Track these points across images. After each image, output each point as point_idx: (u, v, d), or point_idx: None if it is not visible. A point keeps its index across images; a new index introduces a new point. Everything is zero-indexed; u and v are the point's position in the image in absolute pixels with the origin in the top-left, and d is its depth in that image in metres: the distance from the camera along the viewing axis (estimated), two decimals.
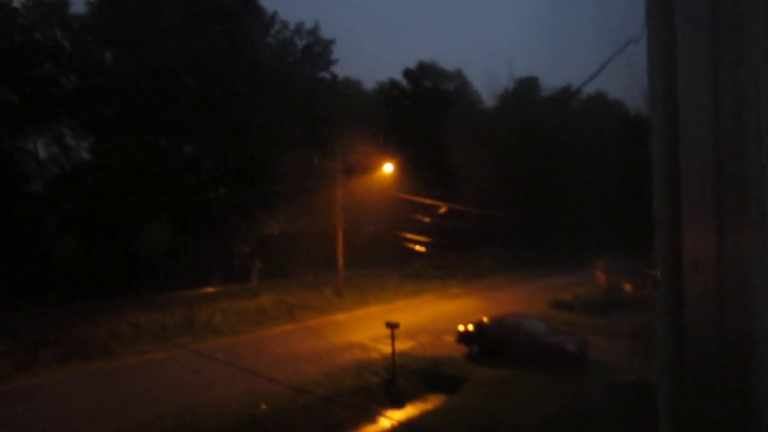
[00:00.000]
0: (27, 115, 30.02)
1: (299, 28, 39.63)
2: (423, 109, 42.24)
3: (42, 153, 31.71)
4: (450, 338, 20.51)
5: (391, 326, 22.64)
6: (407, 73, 46.64)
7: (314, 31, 39.89)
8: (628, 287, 26.87)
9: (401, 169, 33.87)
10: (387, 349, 19.83)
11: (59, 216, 28.99)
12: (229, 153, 32.47)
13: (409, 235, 34.50)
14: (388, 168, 33.27)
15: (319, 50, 40.48)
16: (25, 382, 17.38)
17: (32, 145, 31.54)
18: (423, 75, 46.98)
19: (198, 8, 32.59)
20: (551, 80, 49.93)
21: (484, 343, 19.04)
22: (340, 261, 29.79)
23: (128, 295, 24.95)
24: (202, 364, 17.61)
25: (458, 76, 48.42)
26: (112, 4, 31.77)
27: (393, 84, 45.92)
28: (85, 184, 29.64)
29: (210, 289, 28.10)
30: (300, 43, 39.91)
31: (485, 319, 19.99)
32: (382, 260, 34.15)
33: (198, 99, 32.67)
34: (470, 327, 19.85)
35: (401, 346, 20.50)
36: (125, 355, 19.87)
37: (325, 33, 40.39)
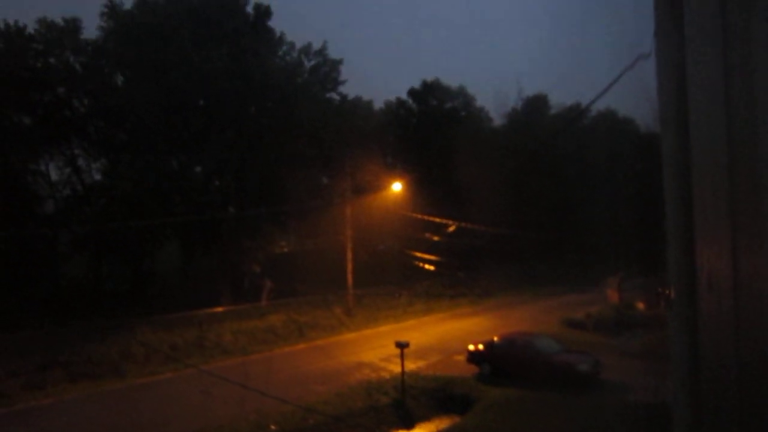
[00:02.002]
0: (40, 138, 30.45)
1: (307, 49, 40.08)
2: (430, 128, 42.42)
3: (54, 175, 32.05)
4: (460, 358, 20.31)
5: (401, 346, 22.46)
6: (412, 92, 46.97)
7: (322, 52, 40.32)
8: (641, 306, 26.56)
9: (410, 187, 33.94)
10: (397, 368, 19.68)
11: (71, 237, 29.20)
12: (239, 173, 32.70)
13: (419, 254, 34.41)
14: (396, 187, 33.34)
15: (326, 70, 40.87)
16: (34, 402, 17.38)
17: (44, 167, 31.90)
18: (428, 94, 47.29)
19: (207, 30, 33.05)
20: (560, 98, 50.14)
21: (496, 362, 18.78)
22: (350, 280, 29.74)
23: (139, 314, 24.96)
24: (212, 385, 17.53)
25: (463, 94, 48.69)
26: (123, 29, 32.29)
27: (400, 103, 46.21)
28: (97, 205, 29.90)
29: (220, 309, 28.08)
30: (308, 63, 40.34)
31: (496, 339, 19.78)
32: (391, 279, 34.07)
33: (208, 120, 32.98)
34: (481, 346, 19.64)
35: (411, 365, 20.35)
36: (136, 376, 19.84)
37: (333, 53, 40.83)
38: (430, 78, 46.32)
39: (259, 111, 34.78)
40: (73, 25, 31.83)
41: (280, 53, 38.56)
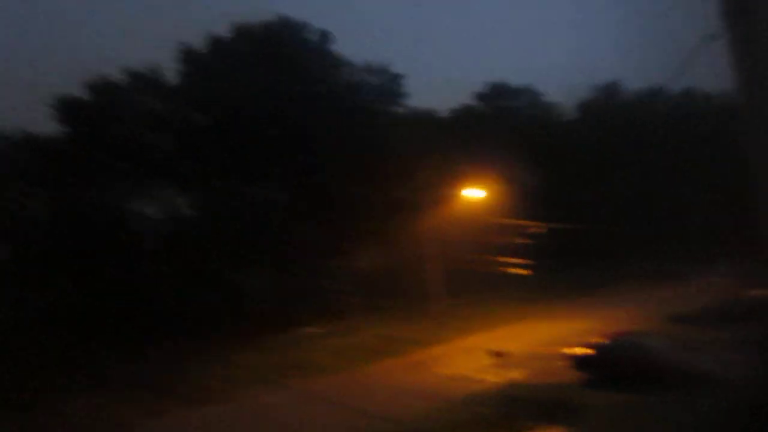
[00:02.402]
0: (134, 179, 32.70)
1: (370, 67, 40.52)
2: (501, 130, 41.71)
3: (154, 212, 34.23)
4: (563, 363, 19.45)
5: (498, 355, 21.97)
6: (480, 96, 46.46)
7: (385, 68, 40.64)
8: (754, 293, 24.46)
9: (490, 192, 33.40)
10: (495, 379, 19.26)
11: (168, 269, 30.91)
12: (318, 195, 33.44)
13: (505, 259, 33.75)
14: (475, 193, 32.92)
15: (390, 86, 41.15)
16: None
17: (144, 206, 34.11)
18: (496, 95, 46.61)
19: (271, 60, 34.27)
20: (633, 83, 47.74)
21: (603, 366, 17.54)
22: (438, 291, 29.53)
23: (233, 338, 25.93)
24: (311, 405, 17.84)
25: (529, 92, 47.63)
26: (198, 71, 34.16)
27: (467, 109, 45.79)
28: (189, 237, 31.50)
29: (311, 329, 28.68)
30: (372, 81, 40.78)
31: (601, 340, 18.51)
32: (479, 287, 33.52)
33: (283, 147, 34.05)
34: (585, 350, 18.54)
35: (510, 375, 19.82)
36: (240, 398, 20.45)
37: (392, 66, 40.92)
38: (495, 80, 45.81)
39: (330, 132, 35.53)
40: (155, 73, 33.96)
41: (344, 73, 39.33)
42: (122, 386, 22.40)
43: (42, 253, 30.43)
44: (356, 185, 33.02)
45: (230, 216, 31.69)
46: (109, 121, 31.78)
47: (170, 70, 34.34)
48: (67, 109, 31.90)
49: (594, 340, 18.83)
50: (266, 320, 28.20)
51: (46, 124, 32.07)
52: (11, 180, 31.63)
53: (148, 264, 31.74)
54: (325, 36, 37.15)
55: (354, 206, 33.04)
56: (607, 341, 18.29)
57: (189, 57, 34.70)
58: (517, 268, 33.28)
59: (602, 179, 41.21)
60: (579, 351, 18.62)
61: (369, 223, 32.05)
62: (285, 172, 34.31)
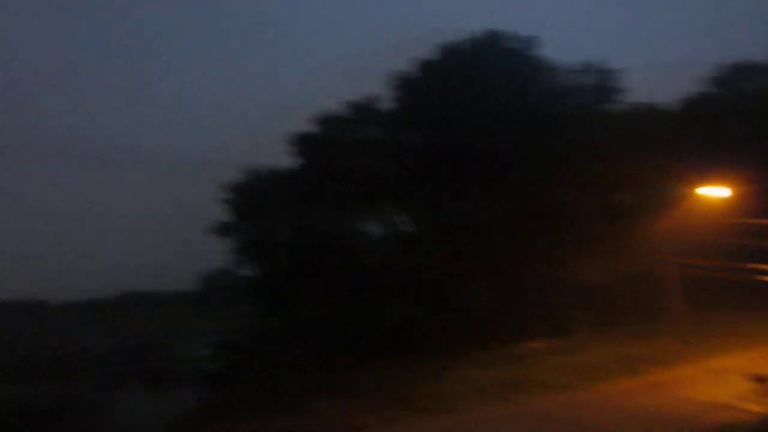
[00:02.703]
0: (359, 202, 35.58)
1: (586, 68, 38.46)
2: (746, 117, 36.05)
3: (377, 231, 36.85)
4: None
5: (761, 380, 18.77)
6: (715, 80, 40.74)
7: (602, 67, 38.23)
8: None
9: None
10: (760, 408, 16.44)
11: (393, 284, 32.76)
12: (537, 204, 32.54)
13: (757, 266, 28.87)
14: (716, 191, 28.81)
15: (607, 84, 38.57)
16: None
17: (368, 226, 36.90)
18: (736, 77, 40.44)
19: (480, 75, 34.47)
20: None
21: None
22: (676, 303, 26.42)
23: (458, 353, 26.24)
24: (542, 423, 17.14)
25: None
26: (411, 95, 35.95)
27: (703, 96, 40.46)
28: (410, 254, 33.01)
29: (536, 344, 27.75)
30: (587, 81, 38.63)
31: None
32: (725, 298, 29.18)
33: (499, 159, 33.89)
34: None
35: None
36: (467, 411, 20.52)
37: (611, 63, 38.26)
38: (734, 60, 39.85)
39: (544, 138, 34.42)
40: (372, 101, 36.73)
41: (557, 78, 37.94)
42: (356, 393, 24.14)
43: (285, 271, 34.61)
44: (576, 192, 31.42)
45: (449, 231, 32.48)
46: (336, 150, 35.04)
47: (386, 98, 36.77)
48: (301, 143, 36.08)
49: None
50: (488, 334, 28.10)
51: (284, 158, 36.82)
52: (260, 207, 36.70)
53: (375, 279, 34.06)
54: (532, 42, 36.41)
55: (575, 214, 31.44)
56: None
57: (402, 83, 36.73)
58: None
59: None
60: None
61: (594, 231, 30.14)
62: (502, 184, 34.13)
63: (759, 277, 28.92)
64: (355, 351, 29.55)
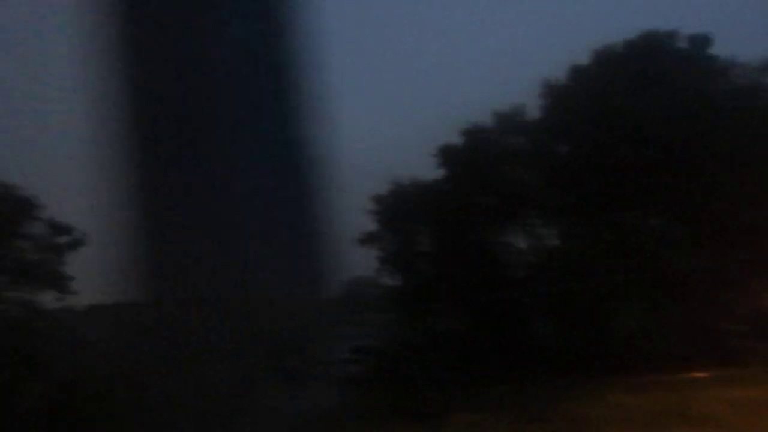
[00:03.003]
0: (504, 214, 34.66)
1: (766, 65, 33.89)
2: None
3: (520, 243, 35.59)
4: None
5: None
6: None
7: None
8: None
9: None
10: None
11: (538, 299, 31.31)
12: (701, 219, 29.25)
13: None
14: None
15: None
16: None
17: (511, 238, 35.74)
18: None
19: (636, 79, 31.93)
20: None
21: None
22: None
23: (604, 375, 24.31)
24: None
25: None
26: (559, 102, 34.33)
27: None
28: (555, 268, 31.34)
29: (698, 374, 24.80)
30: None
31: None
32: None
33: (661, 169, 31.02)
34: None
35: None
36: None
37: None
38: None
39: (716, 147, 30.88)
40: (519, 111, 35.73)
41: (732, 78, 33.86)
42: (495, 408, 23.36)
43: (427, 281, 34.66)
44: (757, 206, 27.75)
45: (602, 246, 30.34)
46: (480, 160, 34.56)
47: (533, 107, 35.55)
48: (445, 154, 36.11)
49: None
50: (641, 358, 25.70)
51: (429, 170, 37.14)
52: (404, 218, 37.27)
53: (518, 293, 32.86)
54: (701, 41, 32.99)
55: (755, 233, 27.77)
56: None
57: (550, 91, 35.30)
58: None
59: None
60: None
61: None
62: (665, 196, 31.12)
63: None
64: (495, 365, 28.66)
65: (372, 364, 38.88)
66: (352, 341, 54.13)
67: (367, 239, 39.43)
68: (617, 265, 28.61)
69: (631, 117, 30.94)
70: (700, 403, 21.19)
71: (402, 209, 37.67)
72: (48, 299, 28.52)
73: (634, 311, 29.50)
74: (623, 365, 25.47)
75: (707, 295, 28.54)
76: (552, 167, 33.59)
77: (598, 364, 26.11)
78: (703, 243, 30.00)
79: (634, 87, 31.90)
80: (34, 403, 27.12)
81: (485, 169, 34.93)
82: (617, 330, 28.31)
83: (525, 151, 35.33)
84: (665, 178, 30.34)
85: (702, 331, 27.63)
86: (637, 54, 33.48)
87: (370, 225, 39.34)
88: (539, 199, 34.85)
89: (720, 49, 33.48)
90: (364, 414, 26.81)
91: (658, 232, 31.91)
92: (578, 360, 27.15)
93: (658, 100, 30.82)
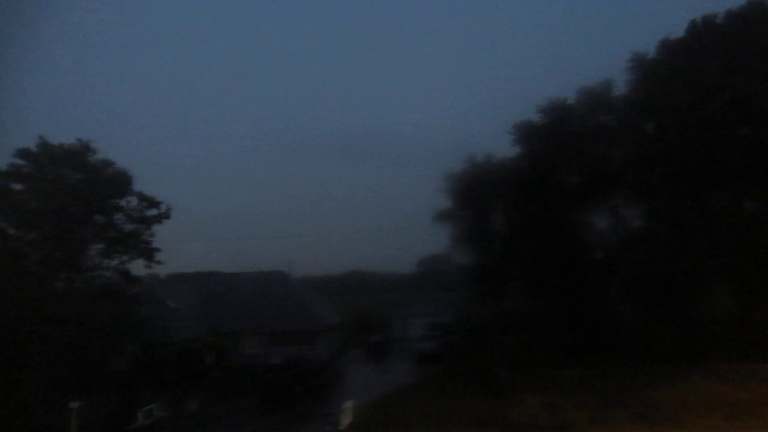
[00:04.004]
0: (585, 193, 33.57)
1: None
2: None
3: (601, 224, 34.43)
4: None
5: None
6: None
7: None
8: None
9: None
10: None
11: (618, 281, 30.28)
12: None
13: None
14: None
15: None
16: None
17: (591, 218, 34.62)
18: None
19: (740, 52, 29.62)
20: None
21: None
22: None
23: (690, 362, 23.32)
24: None
25: None
26: (649, 77, 32.51)
27: None
28: (639, 250, 30.13)
29: None
30: None
31: None
32: None
33: (754, 149, 28.93)
34: None
35: None
36: (693, 426, 18.24)
37: None
38: None
39: None
40: (606, 86, 34.22)
41: None
42: (569, 390, 23.03)
43: (502, 260, 34.30)
44: None
45: (690, 228, 28.79)
46: (561, 138, 33.51)
47: (621, 82, 33.93)
48: (523, 132, 35.31)
49: None
50: (728, 346, 24.46)
51: (507, 148, 36.43)
52: (480, 196, 36.92)
53: (599, 275, 31.95)
54: None
55: None
56: None
57: (640, 65, 33.57)
58: None
59: None
60: None
61: None
62: (760, 177, 29.02)
63: None
64: (570, 347, 28.16)
65: (446, 342, 39.28)
66: (429, 318, 54.88)
67: (443, 217, 39.51)
68: (705, 249, 27.10)
69: (730, 94, 28.91)
70: None
71: (478, 187, 37.37)
72: (137, 267, 30.50)
73: (722, 297, 27.99)
74: (708, 352, 24.36)
75: None
76: (639, 145, 32.07)
77: (682, 351, 25.08)
78: None
79: (735, 62, 29.67)
80: (125, 363, 29.25)
81: (566, 146, 33.85)
82: (703, 316, 26.98)
83: (610, 128, 33.91)
84: (762, 159, 28.29)
85: None
86: (738, 26, 31.07)
87: (446, 203, 39.43)
88: (625, 179, 33.50)
89: None
90: (438, 390, 27.17)
91: (751, 215, 29.87)
92: (660, 345, 26.18)
93: (759, 76, 28.59)
